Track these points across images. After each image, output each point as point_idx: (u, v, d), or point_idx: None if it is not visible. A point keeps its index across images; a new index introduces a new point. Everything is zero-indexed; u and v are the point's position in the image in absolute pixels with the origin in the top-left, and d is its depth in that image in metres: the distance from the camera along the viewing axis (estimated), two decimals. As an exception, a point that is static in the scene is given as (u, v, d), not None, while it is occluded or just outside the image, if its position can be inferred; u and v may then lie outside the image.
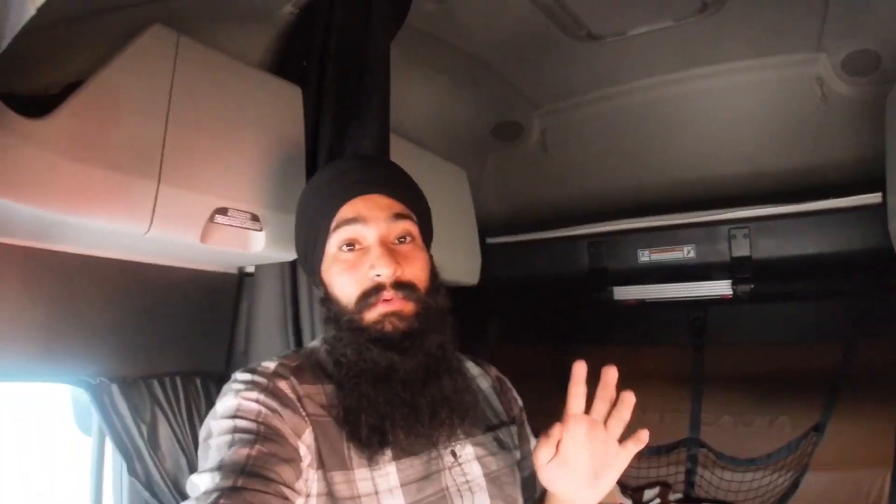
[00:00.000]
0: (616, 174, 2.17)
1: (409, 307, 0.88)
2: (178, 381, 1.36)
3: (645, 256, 1.95)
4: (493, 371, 1.17)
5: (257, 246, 1.19)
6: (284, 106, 1.29)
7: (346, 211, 0.91)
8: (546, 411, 2.40)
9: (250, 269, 1.48)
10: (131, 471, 1.25)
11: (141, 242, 1.11)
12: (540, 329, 2.63)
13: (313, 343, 1.01)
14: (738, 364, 2.22)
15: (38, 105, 0.87)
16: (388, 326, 0.86)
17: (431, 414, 0.86)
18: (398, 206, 0.93)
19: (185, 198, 1.05)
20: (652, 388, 2.27)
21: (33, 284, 1.10)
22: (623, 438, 0.83)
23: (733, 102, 1.91)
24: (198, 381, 1.41)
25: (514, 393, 1.16)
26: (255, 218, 1.17)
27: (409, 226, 0.93)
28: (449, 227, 1.81)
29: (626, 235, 1.99)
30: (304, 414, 0.81)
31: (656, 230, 1.94)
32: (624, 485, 2.28)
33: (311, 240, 0.95)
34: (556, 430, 0.81)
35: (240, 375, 0.84)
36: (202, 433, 0.79)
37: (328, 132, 1.28)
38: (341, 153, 1.27)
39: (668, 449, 2.27)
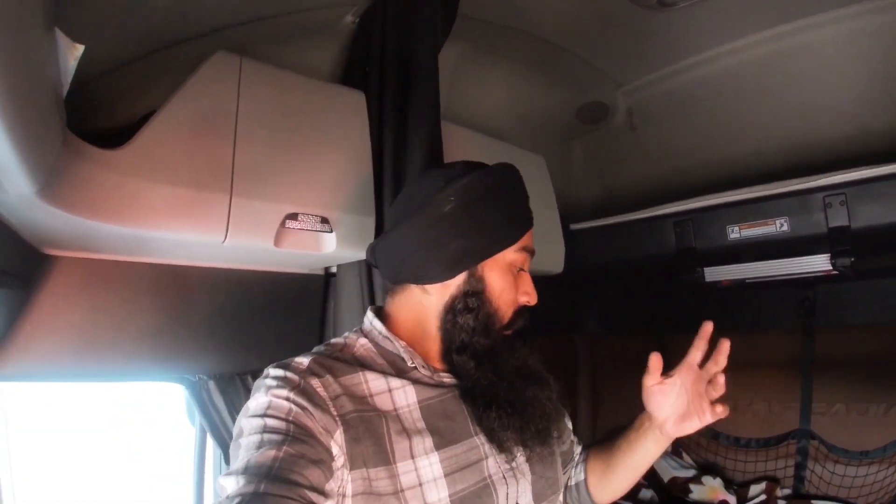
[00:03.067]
0: (708, 148, 2.06)
1: None
2: (271, 375, 1.48)
3: (735, 233, 1.82)
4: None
5: (329, 247, 1.26)
6: (349, 111, 1.35)
7: (530, 240, 0.99)
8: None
9: (335, 270, 1.56)
10: (228, 460, 1.39)
11: (230, 251, 1.21)
12: (632, 316, 2.57)
13: (347, 335, 1.00)
14: (851, 347, 2.05)
15: (116, 137, 0.97)
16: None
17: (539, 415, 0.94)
18: None
19: (257, 207, 1.13)
20: (758, 376, 2.16)
21: (137, 295, 1.23)
22: None
23: (829, 58, 1.74)
24: (289, 376, 1.52)
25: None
26: (324, 220, 1.24)
27: None
28: (529, 217, 1.84)
29: (713, 211, 1.86)
30: (334, 414, 0.80)
31: (745, 203, 1.80)
32: (729, 480, 2.19)
33: (489, 237, 0.94)
34: (657, 364, 1.03)
35: (272, 371, 0.84)
36: (235, 431, 0.80)
37: (390, 134, 1.35)
38: (403, 152, 1.34)
39: (776, 441, 2.13)
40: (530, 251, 0.98)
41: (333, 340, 0.99)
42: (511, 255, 0.95)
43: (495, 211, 0.94)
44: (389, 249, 1.00)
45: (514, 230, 0.96)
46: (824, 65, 1.77)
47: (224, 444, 1.38)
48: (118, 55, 1.10)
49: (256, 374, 1.42)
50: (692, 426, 1.02)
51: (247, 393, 1.41)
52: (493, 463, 0.91)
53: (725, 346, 1.03)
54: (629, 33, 1.80)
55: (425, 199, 0.95)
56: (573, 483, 1.17)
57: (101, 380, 1.27)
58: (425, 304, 0.96)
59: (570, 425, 1.18)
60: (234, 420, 1.36)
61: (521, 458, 0.94)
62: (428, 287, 0.95)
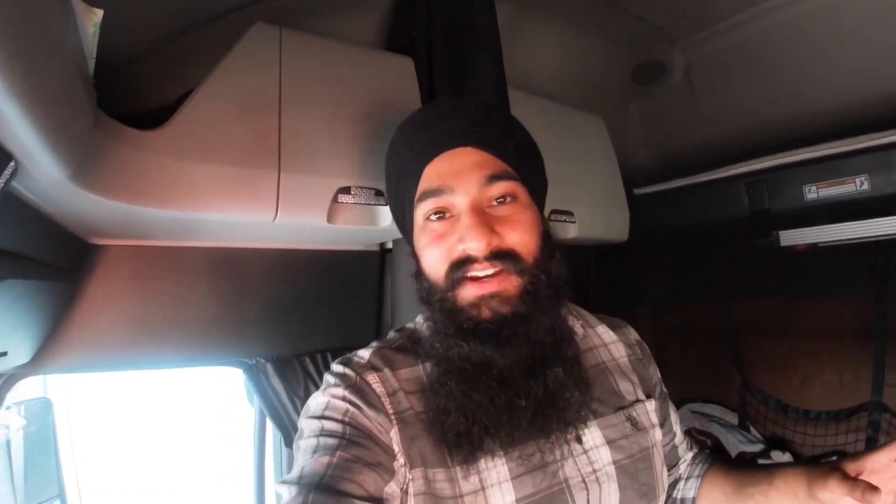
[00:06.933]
0: (772, 104, 1.84)
1: (511, 285, 0.74)
2: (329, 356, 1.39)
3: (812, 193, 1.64)
4: (633, 335, 1.01)
5: (384, 221, 1.16)
6: (397, 78, 1.24)
7: (430, 177, 0.78)
8: (713, 370, 2.24)
9: (391, 245, 1.47)
10: (288, 443, 1.31)
11: (281, 230, 1.13)
12: (702, 283, 2.34)
13: (419, 318, 0.89)
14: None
15: (155, 118, 0.89)
16: (485, 312, 0.74)
17: (533, 417, 0.74)
18: (493, 164, 0.78)
19: (307, 182, 1.03)
20: (829, 345, 1.99)
21: (189, 280, 1.18)
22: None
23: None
24: (348, 356, 1.44)
25: (654, 366, 1.00)
26: (379, 193, 1.14)
27: (508, 186, 0.77)
28: (591, 182, 1.69)
29: (788, 170, 1.68)
30: (390, 412, 0.73)
31: (822, 161, 1.62)
32: (798, 454, 2.04)
33: (399, 207, 0.84)
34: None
35: (334, 367, 0.79)
36: (299, 428, 0.75)
37: (444, 97, 1.22)
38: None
39: (847, 414, 1.95)
40: (433, 190, 0.77)
41: (408, 325, 0.91)
42: (419, 212, 0.79)
43: (392, 174, 0.86)
44: None
45: (405, 193, 0.81)
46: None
47: (283, 426, 1.32)
48: (154, 35, 1.02)
49: (314, 355, 1.39)
50: None
51: (305, 375, 1.36)
52: (572, 465, 0.78)
53: None
54: (685, -16, 1.62)
55: None
56: (678, 497, 1.00)
57: (157, 367, 1.22)
58: None
59: (673, 422, 1.01)
60: (292, 402, 1.32)
61: (605, 458, 0.80)
62: None
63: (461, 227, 0.75)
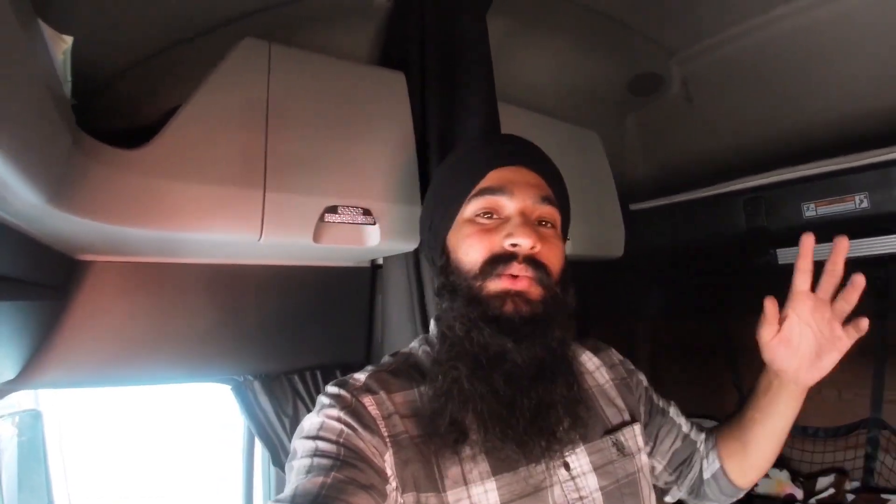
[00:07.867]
0: (771, 117, 1.82)
1: (536, 291, 0.78)
2: (319, 374, 1.38)
3: (810, 210, 1.62)
4: (615, 356, 1.03)
5: (372, 240, 1.15)
6: (389, 94, 1.23)
7: (494, 178, 0.85)
8: (710, 386, 2.21)
9: (382, 262, 1.46)
10: (276, 462, 1.29)
11: (269, 249, 1.11)
12: (699, 299, 2.34)
13: (414, 343, 0.93)
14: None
15: (138, 136, 0.88)
16: (509, 307, 0.76)
17: (532, 419, 0.75)
18: (545, 189, 0.86)
19: (293, 202, 1.02)
20: None
21: (177, 296, 1.16)
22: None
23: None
24: (338, 374, 1.40)
25: (640, 375, 1.02)
26: (367, 212, 1.13)
27: (553, 212, 0.85)
28: (586, 197, 1.67)
29: (786, 187, 1.65)
30: (384, 434, 0.74)
31: (820, 178, 1.59)
32: (795, 472, 2.02)
33: (443, 204, 0.88)
34: (774, 308, 0.86)
35: (329, 388, 0.79)
36: (291, 449, 0.76)
37: (435, 114, 1.22)
38: (450, 134, 1.20)
39: (845, 431, 1.94)
40: (495, 188, 0.84)
41: (402, 350, 0.93)
42: (468, 210, 0.85)
43: (445, 179, 0.92)
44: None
45: (459, 191, 0.87)
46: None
47: (271, 444, 1.30)
48: (140, 50, 1.02)
49: (303, 373, 1.37)
50: (830, 362, 0.85)
51: (294, 393, 1.34)
52: (560, 492, 0.78)
53: (860, 281, 0.84)
54: (681, -4, 1.59)
55: None
56: (708, 476, 1.01)
57: (144, 383, 1.21)
58: None
59: (674, 415, 1.03)
60: (280, 420, 1.30)
61: (592, 484, 0.81)
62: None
63: (511, 225, 0.80)
